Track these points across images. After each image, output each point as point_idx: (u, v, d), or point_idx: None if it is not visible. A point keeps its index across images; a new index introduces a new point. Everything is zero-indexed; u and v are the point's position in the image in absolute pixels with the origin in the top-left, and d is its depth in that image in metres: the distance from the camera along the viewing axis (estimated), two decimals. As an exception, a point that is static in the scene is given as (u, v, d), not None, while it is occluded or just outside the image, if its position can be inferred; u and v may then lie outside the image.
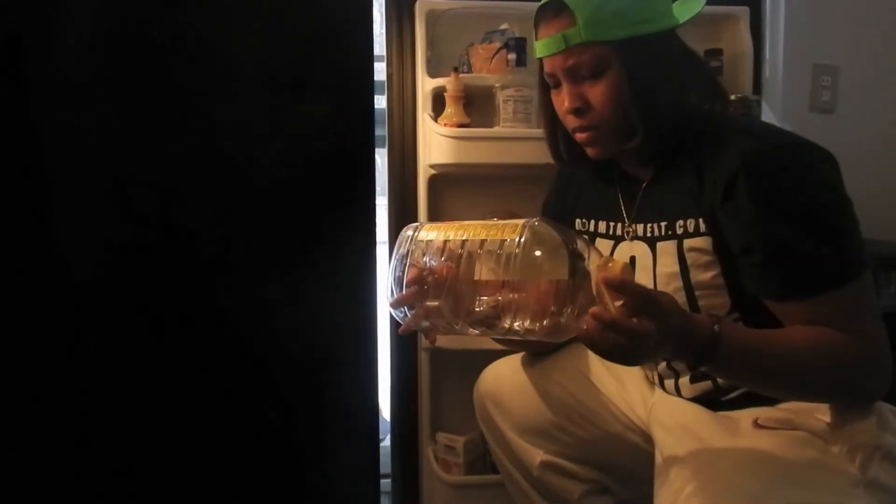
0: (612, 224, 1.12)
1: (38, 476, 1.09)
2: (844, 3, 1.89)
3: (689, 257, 0.99)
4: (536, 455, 1.21)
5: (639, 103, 0.98)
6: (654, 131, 1.00)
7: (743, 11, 1.66)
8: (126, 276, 1.09)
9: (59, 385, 1.09)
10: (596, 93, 1.00)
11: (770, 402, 0.99)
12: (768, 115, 1.77)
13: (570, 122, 1.05)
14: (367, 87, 1.09)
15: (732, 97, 1.58)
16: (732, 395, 1.02)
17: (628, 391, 1.19)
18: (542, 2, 1.04)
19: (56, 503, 1.11)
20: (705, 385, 1.05)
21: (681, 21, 1.04)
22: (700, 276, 0.98)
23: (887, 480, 0.89)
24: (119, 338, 1.10)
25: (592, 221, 1.16)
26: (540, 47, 1.04)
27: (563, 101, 1.03)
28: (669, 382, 1.10)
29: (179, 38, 1.05)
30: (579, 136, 1.04)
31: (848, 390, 0.92)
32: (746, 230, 0.93)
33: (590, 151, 1.06)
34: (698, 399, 1.06)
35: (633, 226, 1.08)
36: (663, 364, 1.10)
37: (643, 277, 1.04)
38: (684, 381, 1.07)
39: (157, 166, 1.07)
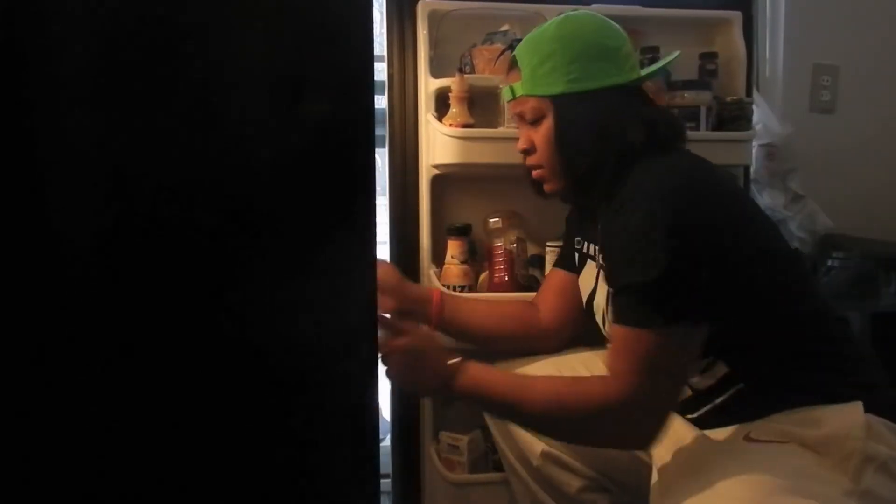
0: (596, 248, 1.22)
1: (36, 473, 1.10)
2: (844, 3, 1.90)
3: None
4: (538, 445, 1.23)
5: (561, 151, 1.12)
6: (576, 176, 1.13)
7: (736, 15, 1.67)
8: (122, 275, 1.09)
9: (53, 381, 1.10)
10: (537, 137, 1.16)
11: (755, 416, 1.00)
12: (766, 116, 1.78)
13: (525, 160, 1.20)
14: (367, 87, 1.09)
15: (728, 99, 1.61)
16: (705, 408, 1.05)
17: None
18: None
19: (52, 498, 1.11)
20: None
21: (640, 75, 1.15)
22: None
23: (881, 491, 0.89)
24: (115, 337, 1.10)
25: (586, 244, 1.23)
26: (503, 94, 1.22)
27: None
28: None
29: (178, 37, 1.05)
30: (534, 174, 1.20)
31: (600, 431, 1.01)
32: (605, 255, 1.07)
33: (545, 187, 1.19)
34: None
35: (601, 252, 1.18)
36: None
37: (603, 300, 1.14)
38: None
39: (156, 166, 1.08)
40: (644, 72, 1.15)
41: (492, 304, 1.41)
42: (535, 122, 1.15)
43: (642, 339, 0.94)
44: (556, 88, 1.11)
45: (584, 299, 1.22)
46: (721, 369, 1.02)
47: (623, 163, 1.07)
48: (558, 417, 0.99)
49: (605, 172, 1.09)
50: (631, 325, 0.95)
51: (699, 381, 1.05)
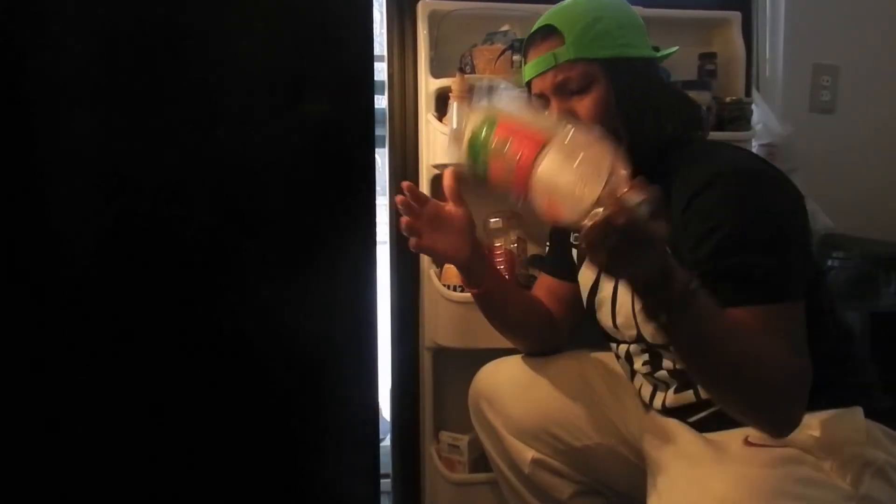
0: None
1: (37, 470, 1.10)
2: (844, 3, 1.90)
3: None
4: (528, 452, 1.22)
5: (624, 115, 1.05)
6: (638, 143, 1.03)
7: (735, 16, 1.68)
8: (123, 275, 1.09)
9: (54, 379, 1.10)
10: (583, 106, 1.06)
11: None
12: (766, 116, 1.78)
13: None
14: (367, 87, 1.10)
15: (728, 100, 1.61)
16: (707, 411, 1.04)
17: (625, 406, 1.20)
18: (531, 31, 1.12)
19: (53, 497, 1.12)
20: (687, 396, 1.06)
21: (658, 55, 1.12)
22: None
23: (879, 496, 0.90)
24: (115, 336, 1.10)
25: None
26: (529, 69, 1.12)
27: None
28: (658, 398, 1.11)
29: (180, 38, 1.06)
30: None
31: (770, 400, 0.90)
32: (694, 241, 0.95)
33: None
34: (677, 410, 1.08)
35: None
36: (651, 380, 1.11)
37: (623, 291, 1.08)
38: (669, 393, 1.09)
39: (158, 165, 1.08)
40: (658, 54, 1.14)
41: (524, 292, 1.38)
42: (582, 90, 1.06)
43: (782, 313, 0.90)
44: (608, 52, 1.06)
45: (585, 296, 1.21)
46: None
47: (683, 136, 1.06)
48: (745, 375, 0.88)
49: (662, 142, 1.06)
50: (769, 300, 0.90)
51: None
